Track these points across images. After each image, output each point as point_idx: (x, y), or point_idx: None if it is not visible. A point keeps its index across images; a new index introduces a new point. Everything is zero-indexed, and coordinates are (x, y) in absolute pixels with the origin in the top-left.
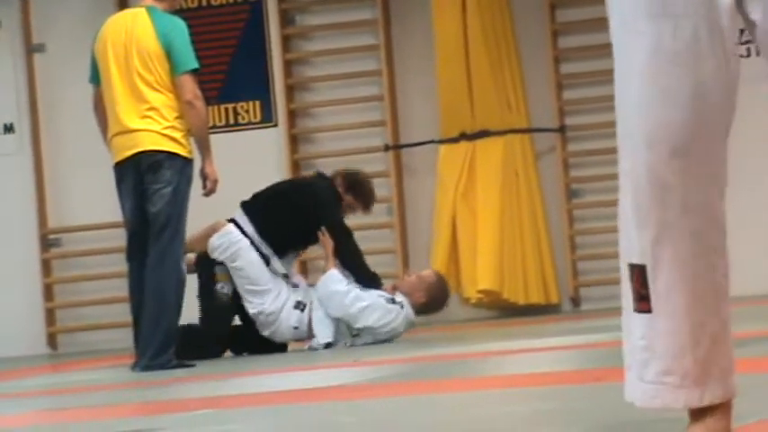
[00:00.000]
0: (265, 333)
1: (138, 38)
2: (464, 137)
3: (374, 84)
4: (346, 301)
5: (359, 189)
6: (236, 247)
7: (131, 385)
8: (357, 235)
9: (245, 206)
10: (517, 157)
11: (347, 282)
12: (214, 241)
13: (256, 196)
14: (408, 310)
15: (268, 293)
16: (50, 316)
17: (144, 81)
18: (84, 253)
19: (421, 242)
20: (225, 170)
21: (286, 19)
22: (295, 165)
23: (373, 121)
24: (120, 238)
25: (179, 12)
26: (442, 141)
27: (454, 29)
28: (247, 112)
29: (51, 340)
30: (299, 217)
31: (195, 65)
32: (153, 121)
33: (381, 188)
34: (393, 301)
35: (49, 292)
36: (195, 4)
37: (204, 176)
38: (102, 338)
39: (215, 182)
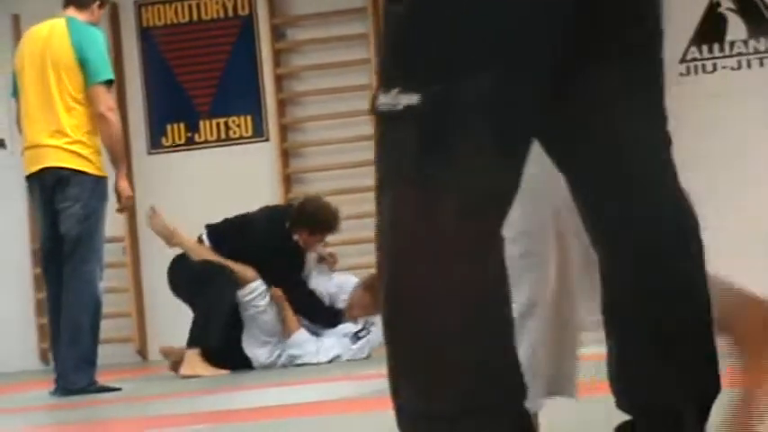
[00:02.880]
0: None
1: (53, 49)
2: None
3: (365, 98)
4: (314, 361)
5: (312, 224)
6: (268, 296)
7: (123, 401)
8: (346, 250)
9: (211, 232)
10: None
11: (315, 338)
12: (259, 285)
13: (221, 227)
14: (377, 329)
15: (267, 345)
16: (43, 331)
17: (57, 94)
18: None
19: None
20: (216, 185)
21: (277, 33)
22: (287, 179)
23: (365, 136)
24: (110, 252)
25: (170, 26)
26: None
27: None
28: (239, 126)
29: (44, 355)
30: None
31: (109, 75)
32: (61, 136)
33: (373, 203)
34: (357, 336)
35: (41, 308)
36: (186, 19)
37: (117, 192)
38: None
39: (128, 198)
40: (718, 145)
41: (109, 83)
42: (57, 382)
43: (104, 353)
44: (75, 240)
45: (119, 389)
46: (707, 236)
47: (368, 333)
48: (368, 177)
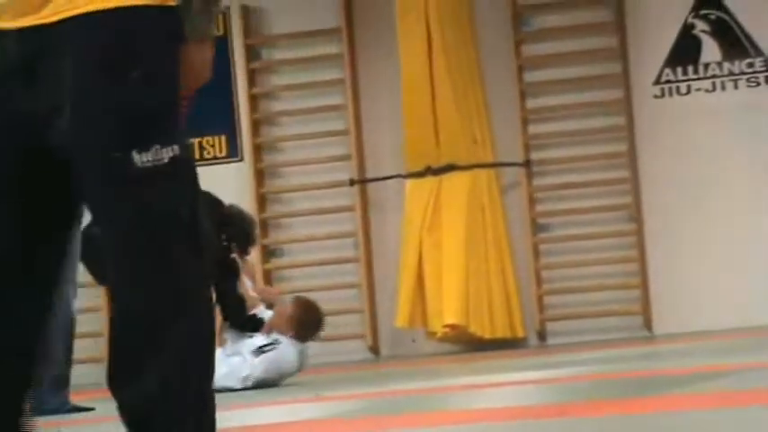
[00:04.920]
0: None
1: None
2: (430, 171)
3: (340, 118)
4: (229, 384)
5: (231, 228)
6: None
7: (96, 421)
8: (322, 270)
9: None
10: (483, 191)
11: (223, 357)
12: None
13: None
14: (288, 347)
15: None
16: None
17: None
18: None
19: (387, 277)
20: None
21: (251, 53)
22: (261, 199)
23: (339, 156)
24: (83, 272)
25: None
26: (407, 176)
27: (420, 63)
28: (213, 146)
29: None
30: None
31: None
32: None
33: (347, 223)
34: (261, 350)
35: None
36: None
37: None
38: None
39: None
40: (692, 166)
41: None
42: (30, 403)
43: (78, 372)
44: None
45: (92, 409)
46: (686, 250)
47: (272, 349)
48: (342, 197)
